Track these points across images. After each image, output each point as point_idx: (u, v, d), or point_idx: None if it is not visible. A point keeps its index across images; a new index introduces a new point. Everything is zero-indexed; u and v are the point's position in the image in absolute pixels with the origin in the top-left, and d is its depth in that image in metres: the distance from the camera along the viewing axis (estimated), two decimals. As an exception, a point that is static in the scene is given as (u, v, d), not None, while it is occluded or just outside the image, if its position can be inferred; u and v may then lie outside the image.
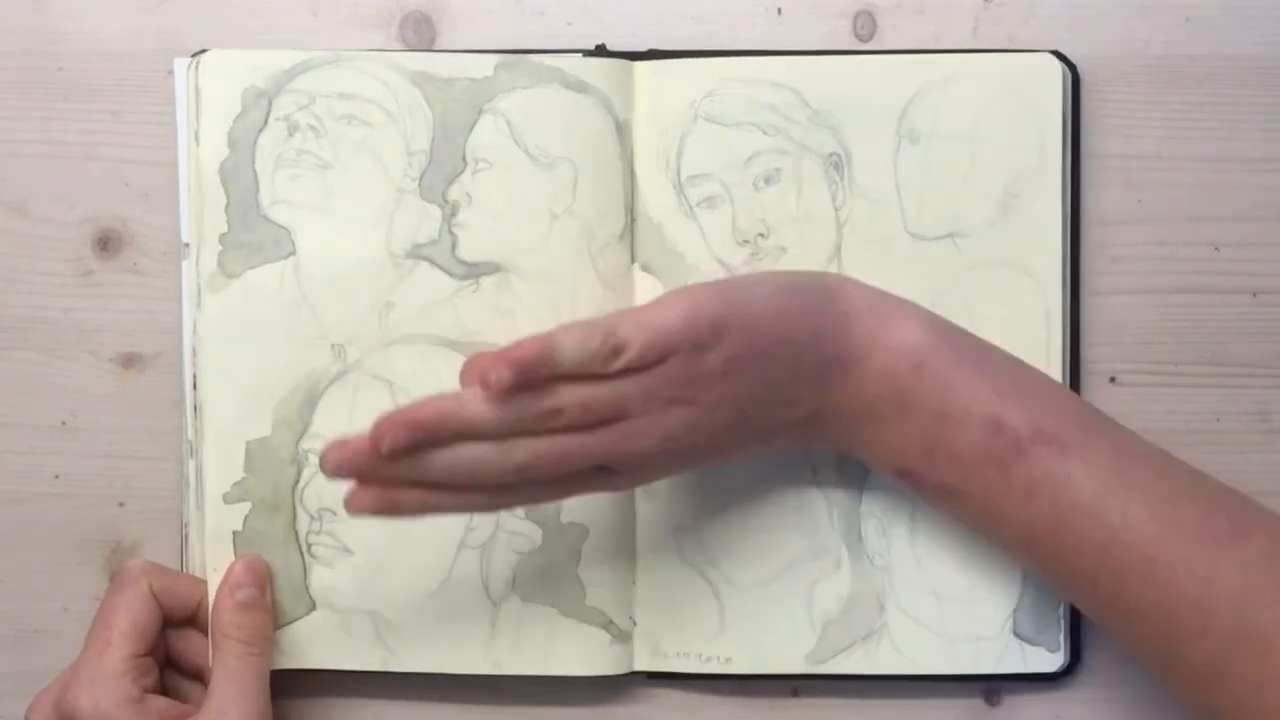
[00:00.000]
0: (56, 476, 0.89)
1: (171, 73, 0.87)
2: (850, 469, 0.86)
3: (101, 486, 0.89)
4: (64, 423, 0.89)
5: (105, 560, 0.89)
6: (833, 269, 0.86)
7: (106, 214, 0.88)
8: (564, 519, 0.86)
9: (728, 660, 0.87)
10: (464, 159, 0.86)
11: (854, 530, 0.86)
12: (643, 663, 0.87)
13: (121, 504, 0.89)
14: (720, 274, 0.86)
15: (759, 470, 0.86)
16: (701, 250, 0.87)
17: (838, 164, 0.86)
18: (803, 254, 0.86)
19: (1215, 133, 0.88)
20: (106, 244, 0.88)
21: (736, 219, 0.87)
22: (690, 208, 0.87)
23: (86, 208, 0.88)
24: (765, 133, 0.86)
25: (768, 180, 0.86)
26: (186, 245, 0.86)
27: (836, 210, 0.86)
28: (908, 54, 0.87)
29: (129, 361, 0.88)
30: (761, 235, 0.86)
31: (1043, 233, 0.85)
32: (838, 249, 0.86)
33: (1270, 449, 0.88)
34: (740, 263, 0.86)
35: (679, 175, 0.87)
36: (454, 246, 0.86)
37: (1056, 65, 0.86)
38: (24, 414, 0.89)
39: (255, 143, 0.85)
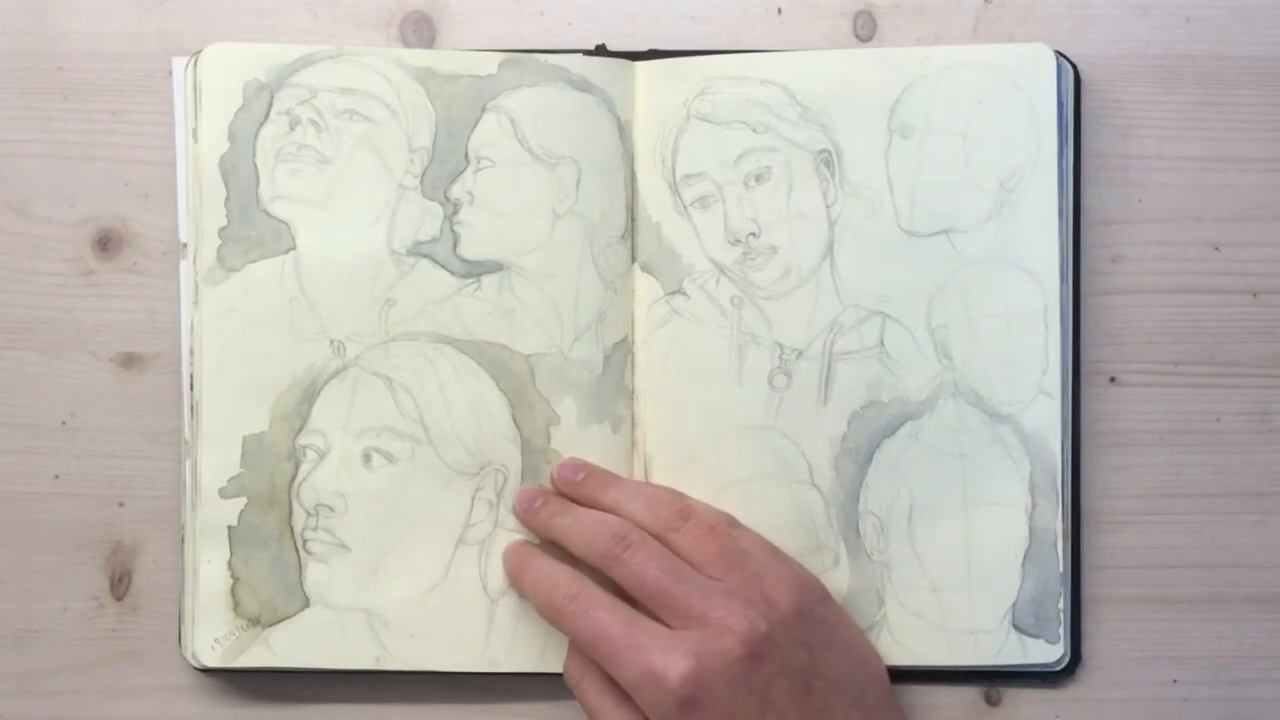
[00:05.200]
0: (56, 476, 0.88)
1: (171, 73, 0.87)
2: (846, 468, 0.86)
3: (101, 486, 0.88)
4: (64, 423, 0.88)
5: (105, 560, 0.88)
6: (825, 267, 0.86)
7: (106, 214, 0.88)
8: (563, 518, 0.86)
9: (726, 659, 0.87)
10: (466, 157, 0.86)
11: (851, 527, 0.86)
12: (641, 661, 0.87)
13: (121, 504, 0.88)
14: (714, 273, 0.86)
15: (756, 468, 0.86)
16: (696, 250, 0.87)
17: (828, 161, 0.86)
18: (795, 253, 0.86)
19: (1215, 133, 0.88)
20: (106, 244, 0.88)
21: (728, 218, 0.87)
22: (684, 207, 0.87)
23: (86, 208, 0.88)
24: (755, 131, 0.86)
25: (758, 179, 0.87)
26: (184, 245, 0.86)
27: (828, 208, 0.86)
28: (897, 48, 0.87)
29: (129, 361, 0.88)
30: (753, 234, 0.86)
31: (1040, 228, 0.85)
32: (830, 247, 0.86)
33: (1270, 449, 0.88)
34: (732, 262, 0.86)
35: (674, 175, 0.87)
36: (455, 245, 0.86)
37: (1050, 55, 0.86)
38: (24, 414, 0.89)
39: (256, 136, 0.85)
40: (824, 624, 0.82)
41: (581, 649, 0.82)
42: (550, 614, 0.82)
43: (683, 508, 0.84)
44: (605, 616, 0.80)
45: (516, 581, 0.85)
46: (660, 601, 0.80)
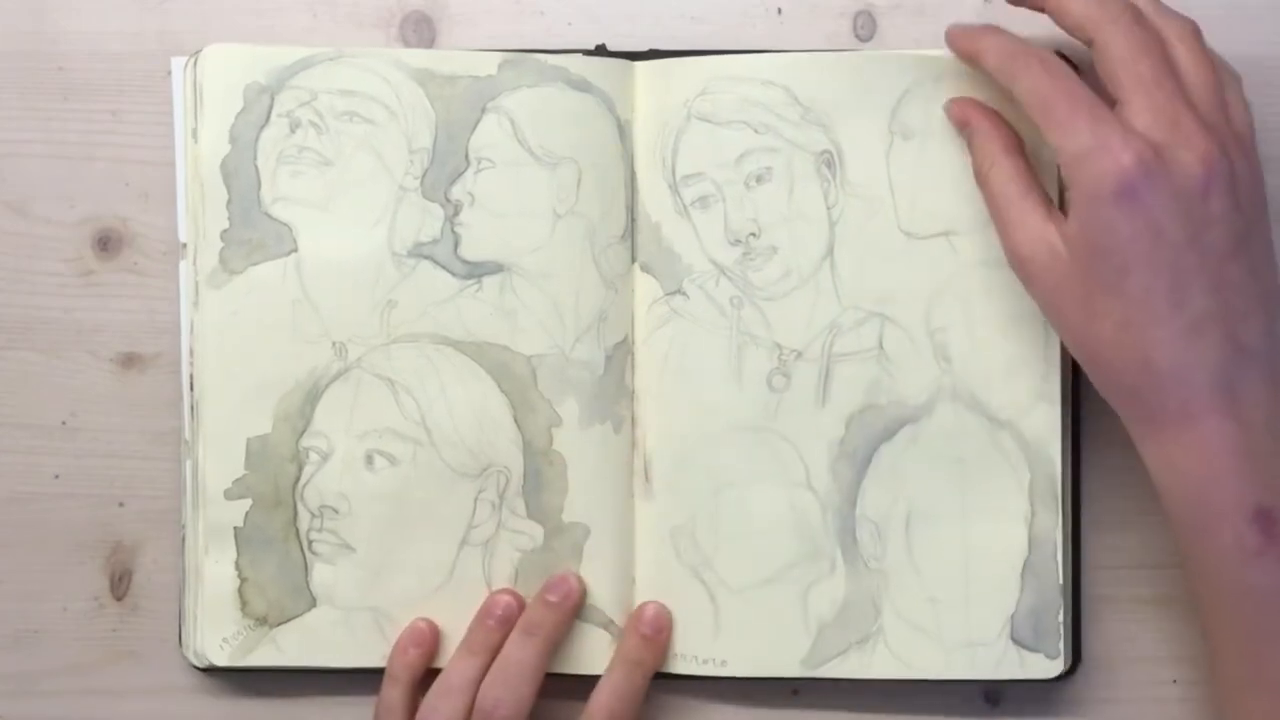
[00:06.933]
0: (56, 476, 0.89)
1: (171, 73, 0.87)
2: (844, 472, 0.86)
3: (101, 486, 0.89)
4: (64, 423, 0.89)
5: (105, 560, 0.89)
6: (825, 268, 0.86)
7: (106, 214, 0.88)
8: (565, 519, 0.86)
9: (724, 663, 0.87)
10: (467, 158, 0.86)
11: (848, 533, 0.86)
12: (642, 662, 0.87)
13: (121, 504, 0.89)
14: (714, 274, 0.86)
15: (754, 471, 0.86)
16: (695, 250, 0.87)
17: (829, 162, 0.86)
18: (794, 254, 0.86)
19: (1215, 133, 0.88)
20: (106, 244, 0.88)
21: (728, 218, 0.86)
22: (684, 207, 0.87)
23: (86, 208, 0.88)
24: (756, 131, 0.86)
25: (759, 179, 0.86)
26: (184, 245, 0.86)
27: (829, 209, 0.86)
28: (899, 50, 0.87)
29: (129, 361, 0.88)
30: (753, 235, 0.86)
31: (1041, 229, 0.85)
32: (830, 248, 0.86)
33: (1270, 449, 0.88)
34: (732, 262, 0.86)
35: (674, 175, 0.87)
36: (456, 246, 0.86)
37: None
38: (24, 414, 0.89)
39: (257, 139, 0.85)
40: (1264, 209, 0.77)
41: (1029, 107, 0.77)
42: (1011, 60, 0.78)
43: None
44: (1074, 83, 0.77)
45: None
46: (1148, 81, 0.75)
